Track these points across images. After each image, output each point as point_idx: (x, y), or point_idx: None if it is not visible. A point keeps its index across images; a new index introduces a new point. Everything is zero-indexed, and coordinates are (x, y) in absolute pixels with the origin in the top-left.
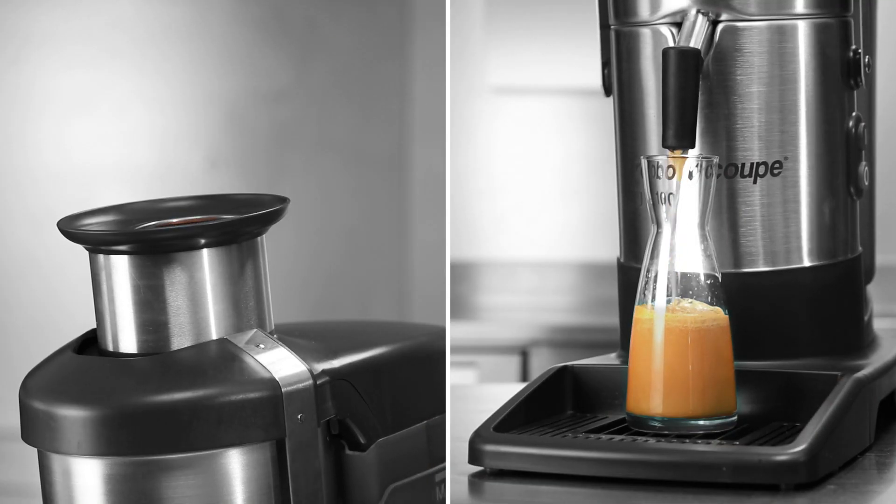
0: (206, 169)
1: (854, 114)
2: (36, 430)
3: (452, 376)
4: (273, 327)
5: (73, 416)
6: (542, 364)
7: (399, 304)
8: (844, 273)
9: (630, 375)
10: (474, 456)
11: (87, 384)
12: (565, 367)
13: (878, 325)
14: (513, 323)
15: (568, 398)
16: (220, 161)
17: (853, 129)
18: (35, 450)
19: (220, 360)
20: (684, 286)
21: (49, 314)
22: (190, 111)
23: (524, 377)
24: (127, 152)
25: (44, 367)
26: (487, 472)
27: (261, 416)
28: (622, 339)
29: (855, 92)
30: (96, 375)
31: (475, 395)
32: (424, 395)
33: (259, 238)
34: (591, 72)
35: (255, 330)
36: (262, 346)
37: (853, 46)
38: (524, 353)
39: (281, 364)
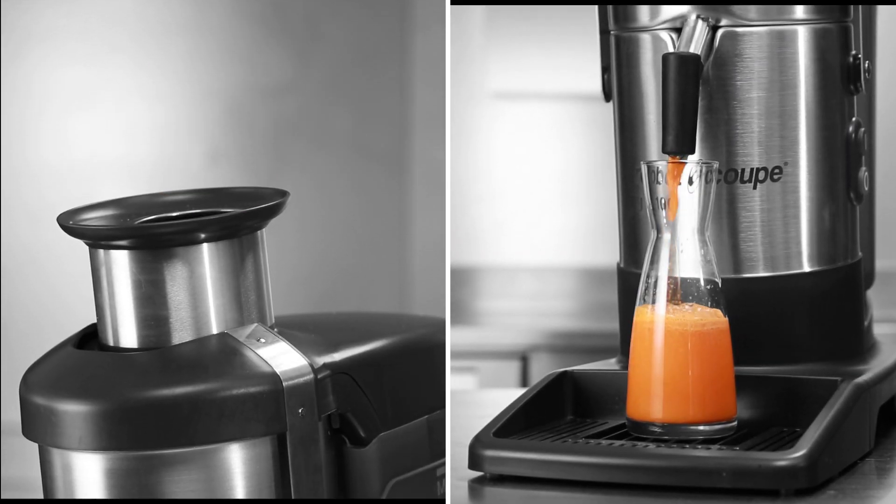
0: (206, 163)
1: (854, 119)
2: (36, 425)
3: (453, 381)
4: (274, 321)
5: (73, 410)
6: (542, 369)
7: (399, 297)
8: (844, 278)
9: (630, 380)
10: (474, 461)
11: (87, 379)
12: (565, 372)
13: (878, 330)
14: (513, 328)
15: (568, 403)
16: (220, 155)
17: (853, 135)
18: (36, 445)
19: (221, 354)
20: (684, 291)
21: (48, 309)
22: (190, 105)
23: (524, 382)
24: (127, 147)
25: (44, 362)
26: (487, 478)
27: (262, 411)
28: (622, 345)
29: (855, 97)
30: (97, 370)
31: (475, 400)
32: (425, 388)
33: (259, 232)
34: (591, 77)
35: (255, 324)
36: (262, 340)
37: (853, 52)
38: (524, 359)
39: (282, 358)
